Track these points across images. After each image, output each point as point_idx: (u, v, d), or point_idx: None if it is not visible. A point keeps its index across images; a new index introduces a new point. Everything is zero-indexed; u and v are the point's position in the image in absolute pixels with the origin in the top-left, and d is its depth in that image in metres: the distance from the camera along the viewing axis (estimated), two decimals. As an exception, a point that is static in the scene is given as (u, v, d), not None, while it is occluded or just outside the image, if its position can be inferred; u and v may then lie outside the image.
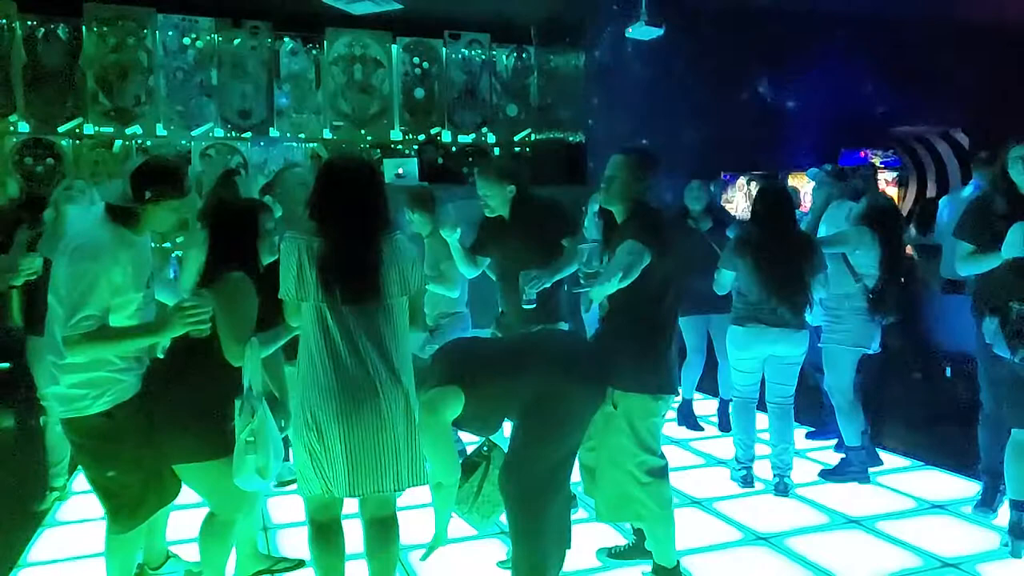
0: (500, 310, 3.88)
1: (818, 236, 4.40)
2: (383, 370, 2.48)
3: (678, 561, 3.14)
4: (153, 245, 3.03)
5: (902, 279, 4.52)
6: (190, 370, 2.68)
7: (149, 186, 2.61)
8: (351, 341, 2.48)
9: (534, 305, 3.40)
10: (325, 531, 2.64)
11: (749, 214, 4.39)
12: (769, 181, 7.17)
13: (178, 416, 2.65)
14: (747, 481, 4.33)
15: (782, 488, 4.22)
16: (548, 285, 3.47)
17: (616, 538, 3.57)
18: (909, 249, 6.48)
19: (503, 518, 2.94)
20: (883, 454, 4.77)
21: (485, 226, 3.83)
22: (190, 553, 3.40)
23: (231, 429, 2.69)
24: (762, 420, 4.45)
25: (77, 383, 2.58)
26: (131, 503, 2.69)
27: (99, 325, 2.49)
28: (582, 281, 3.08)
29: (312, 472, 2.52)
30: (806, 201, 6.80)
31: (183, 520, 3.41)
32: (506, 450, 2.87)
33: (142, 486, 2.69)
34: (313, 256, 2.46)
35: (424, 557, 2.89)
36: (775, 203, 4.18)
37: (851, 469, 4.40)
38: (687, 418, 5.51)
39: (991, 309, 3.31)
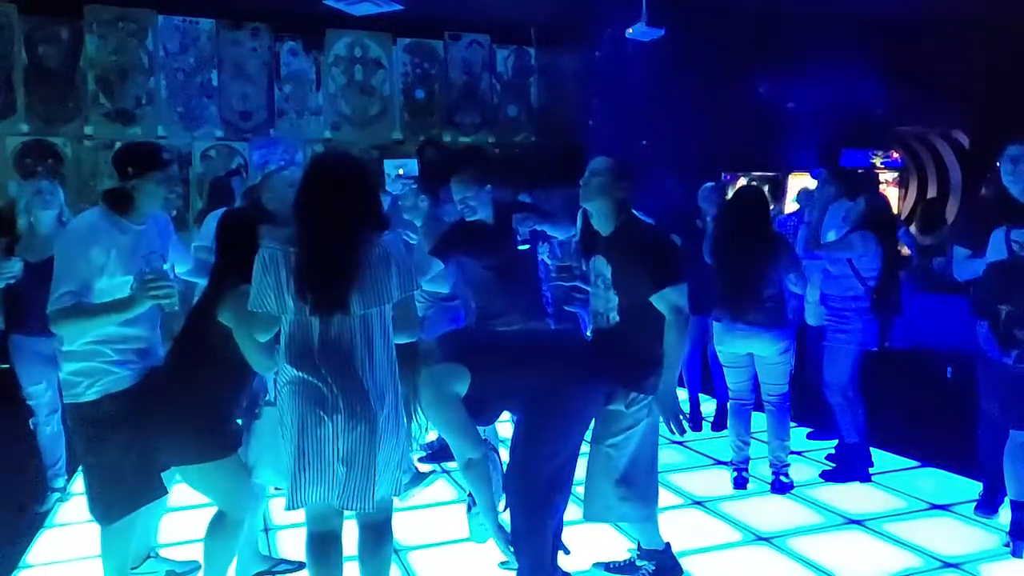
0: (480, 307, 3.83)
1: (823, 241, 4.42)
2: (337, 388, 2.32)
3: (667, 543, 3.17)
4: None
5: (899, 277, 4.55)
6: (194, 372, 2.71)
7: (130, 164, 2.76)
8: (309, 354, 2.34)
9: (529, 246, 3.44)
10: (320, 542, 2.56)
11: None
12: (745, 185, 7.16)
13: (182, 419, 2.67)
14: (738, 483, 4.33)
15: (778, 486, 4.23)
16: (537, 228, 3.57)
17: (613, 548, 3.55)
18: (905, 250, 6.49)
19: (506, 518, 2.94)
20: (884, 454, 4.76)
21: (459, 232, 3.72)
22: (181, 554, 3.42)
23: (235, 429, 2.71)
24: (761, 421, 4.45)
25: (74, 371, 2.72)
26: (110, 495, 2.77)
27: (77, 301, 2.59)
28: (553, 275, 3.14)
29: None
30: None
31: (174, 521, 3.42)
32: (508, 452, 2.87)
33: (123, 480, 2.75)
34: (291, 267, 2.32)
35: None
36: (742, 207, 4.27)
37: (851, 469, 4.41)
38: (692, 418, 5.52)
39: (981, 313, 3.35)
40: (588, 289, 3.19)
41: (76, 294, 2.60)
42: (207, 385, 2.69)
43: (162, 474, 2.88)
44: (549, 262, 3.59)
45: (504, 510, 2.91)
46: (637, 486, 3.01)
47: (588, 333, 3.32)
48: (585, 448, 3.02)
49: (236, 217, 2.96)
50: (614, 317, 3.01)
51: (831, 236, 4.48)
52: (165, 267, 2.70)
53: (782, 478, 4.25)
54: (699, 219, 5.33)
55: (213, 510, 2.86)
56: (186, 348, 2.78)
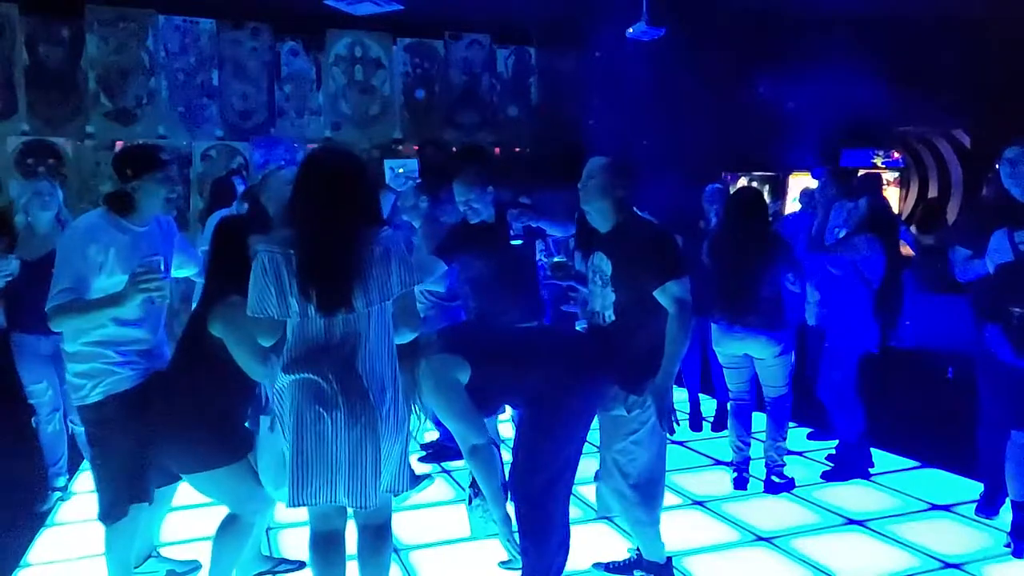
0: (479, 306, 3.84)
1: (828, 242, 4.42)
2: (338, 386, 2.32)
3: (669, 557, 3.16)
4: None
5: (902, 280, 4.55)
6: (195, 378, 2.71)
7: (130, 166, 2.80)
8: (312, 353, 2.34)
9: (522, 241, 3.45)
10: (323, 542, 2.54)
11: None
12: (742, 186, 7.16)
13: (189, 427, 2.68)
14: (739, 483, 4.34)
15: (771, 486, 4.23)
16: (533, 224, 3.61)
17: (613, 548, 3.56)
18: (907, 249, 6.50)
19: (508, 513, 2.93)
20: (884, 454, 4.76)
21: (462, 233, 3.72)
22: (181, 554, 3.43)
23: (244, 433, 2.71)
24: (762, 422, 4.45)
25: (78, 373, 2.77)
26: (113, 494, 2.81)
27: (73, 297, 2.63)
28: (548, 273, 3.17)
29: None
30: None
31: (175, 521, 3.43)
32: (510, 453, 2.87)
33: (124, 480, 2.79)
34: (293, 269, 2.30)
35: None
36: (739, 208, 4.27)
37: (852, 469, 4.41)
38: (691, 417, 5.52)
39: (991, 316, 3.32)
40: (583, 289, 3.19)
41: (73, 291, 2.64)
42: (209, 391, 2.69)
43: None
44: (545, 260, 3.61)
45: (506, 501, 2.92)
46: (649, 489, 3.02)
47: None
48: (586, 448, 3.02)
49: (229, 225, 2.96)
50: (610, 316, 3.01)
51: (839, 234, 4.49)
52: (161, 266, 2.71)
53: (775, 478, 4.25)
54: (702, 220, 5.33)
55: (215, 509, 2.87)
56: (187, 353, 2.78)
